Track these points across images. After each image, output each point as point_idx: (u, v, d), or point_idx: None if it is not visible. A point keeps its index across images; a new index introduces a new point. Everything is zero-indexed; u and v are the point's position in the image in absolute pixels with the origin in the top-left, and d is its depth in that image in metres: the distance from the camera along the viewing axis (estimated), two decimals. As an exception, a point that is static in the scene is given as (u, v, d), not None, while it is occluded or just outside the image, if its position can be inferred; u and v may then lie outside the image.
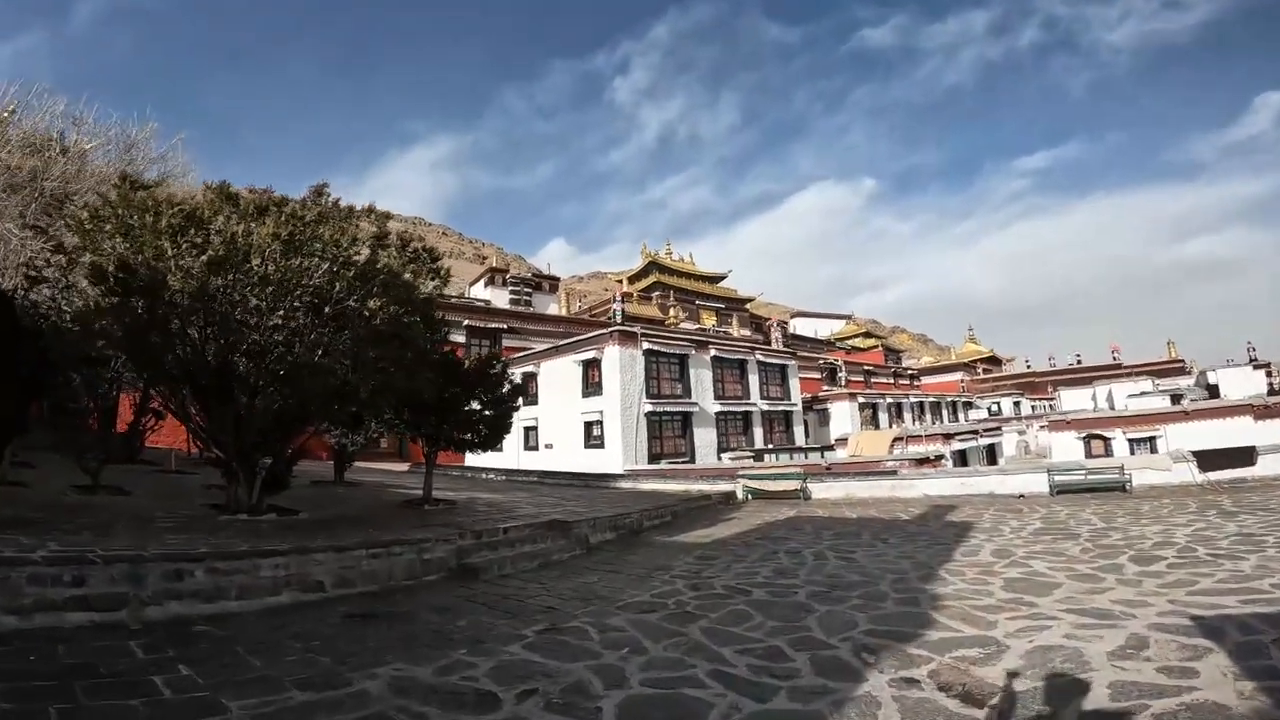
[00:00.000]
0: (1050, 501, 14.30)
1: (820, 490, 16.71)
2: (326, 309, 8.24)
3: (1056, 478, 15.56)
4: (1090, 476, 15.81)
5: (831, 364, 50.88)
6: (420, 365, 9.76)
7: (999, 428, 35.53)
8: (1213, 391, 30.95)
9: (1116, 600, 5.66)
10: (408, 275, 9.87)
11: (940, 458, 22.94)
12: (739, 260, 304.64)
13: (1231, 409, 24.75)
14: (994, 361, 67.43)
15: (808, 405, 37.67)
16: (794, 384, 34.37)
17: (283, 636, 4.86)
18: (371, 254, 9.45)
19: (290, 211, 8.38)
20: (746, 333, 56.42)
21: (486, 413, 11.78)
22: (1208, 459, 15.67)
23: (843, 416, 38.57)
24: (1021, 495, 15.22)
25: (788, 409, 33.43)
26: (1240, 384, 30.62)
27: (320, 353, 8.36)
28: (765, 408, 31.58)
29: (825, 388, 45.16)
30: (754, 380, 31.45)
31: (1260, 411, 23.57)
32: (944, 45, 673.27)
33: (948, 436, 30.30)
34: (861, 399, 40.45)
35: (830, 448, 28.22)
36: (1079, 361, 62.50)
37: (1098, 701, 3.59)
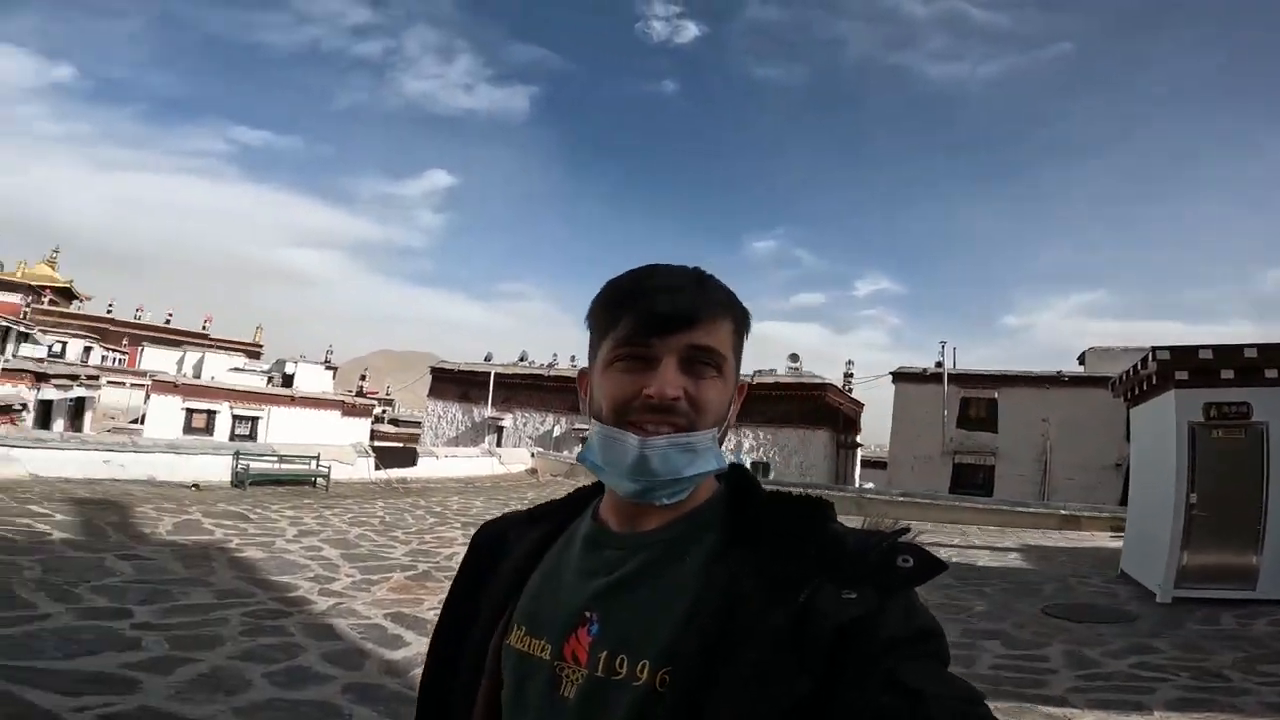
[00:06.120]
0: (239, 496, 11.92)
1: None
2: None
3: (251, 465, 13.27)
4: (285, 466, 13.82)
5: None
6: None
7: (98, 377, 27.97)
8: (288, 380, 30.35)
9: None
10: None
11: (23, 408, 16.87)
12: None
13: (327, 401, 26.96)
14: (68, 295, 52.98)
15: None
16: None
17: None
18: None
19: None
20: None
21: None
22: (384, 456, 16.20)
23: None
24: (196, 485, 12.06)
25: None
26: (315, 379, 30.71)
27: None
28: None
29: None
30: None
31: (347, 408, 27.61)
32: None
33: (40, 378, 22.07)
34: None
35: None
36: (169, 320, 55.92)
37: None
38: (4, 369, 21.41)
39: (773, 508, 0.72)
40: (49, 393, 23.14)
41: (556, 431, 28.60)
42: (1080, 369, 23.43)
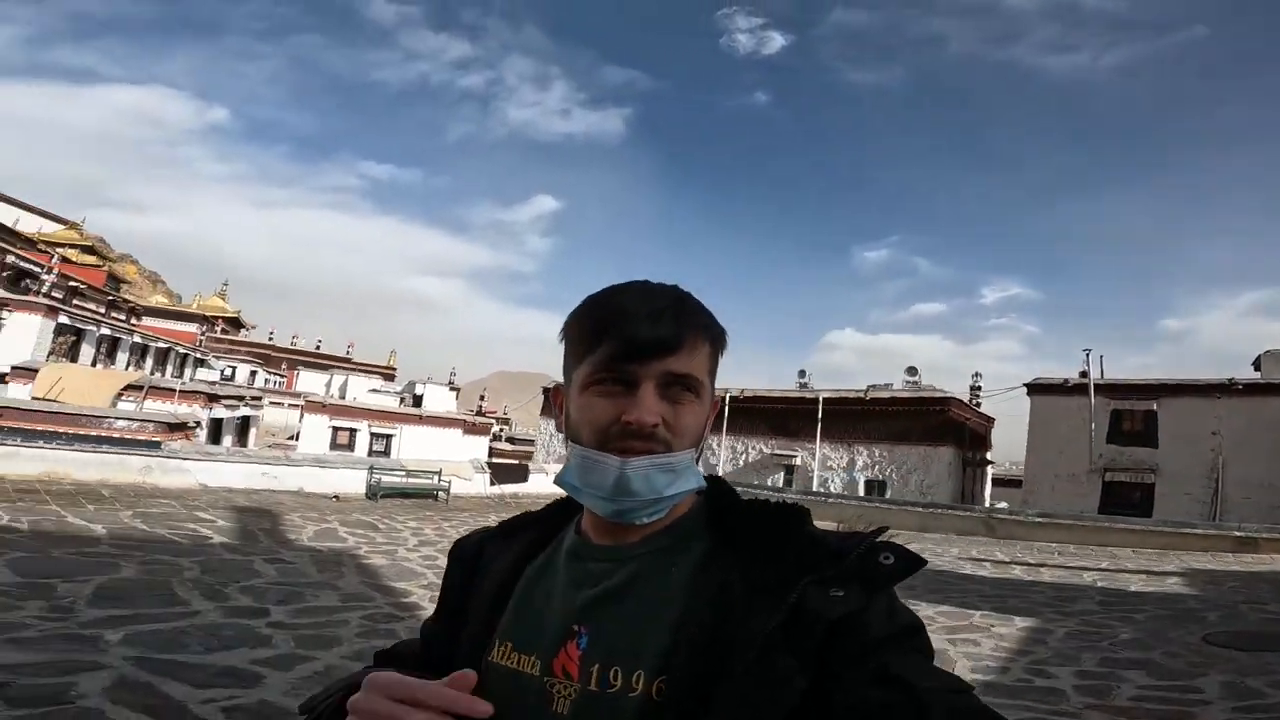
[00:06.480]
0: (371, 507, 13.00)
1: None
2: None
3: (383, 479, 14.64)
4: (411, 480, 15.11)
5: (28, 263, 31.92)
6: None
7: (261, 398, 31.70)
8: (417, 401, 31.15)
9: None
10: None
11: (197, 425, 18.78)
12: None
13: (451, 420, 28.48)
14: (236, 324, 60.65)
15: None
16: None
17: None
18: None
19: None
20: None
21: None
22: (498, 472, 17.74)
23: (24, 337, 25.21)
24: (336, 496, 13.54)
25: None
26: (441, 400, 31.31)
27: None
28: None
29: (-1, 290, 30.39)
30: None
31: (468, 427, 28.94)
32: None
33: (212, 399, 24.77)
34: (65, 319, 27.36)
35: None
36: (319, 346, 63.28)
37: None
38: (182, 390, 24.38)
39: (751, 515, 0.73)
40: (219, 411, 25.65)
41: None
42: (1256, 375, 20.63)
